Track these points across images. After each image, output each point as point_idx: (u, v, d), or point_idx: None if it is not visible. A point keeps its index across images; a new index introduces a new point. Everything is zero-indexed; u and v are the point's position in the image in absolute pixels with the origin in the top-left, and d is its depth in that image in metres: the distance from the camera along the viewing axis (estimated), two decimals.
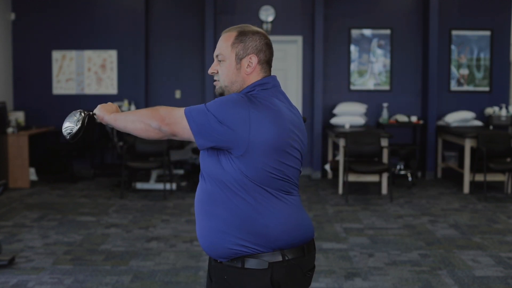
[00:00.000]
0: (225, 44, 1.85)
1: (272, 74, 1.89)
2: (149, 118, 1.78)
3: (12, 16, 8.27)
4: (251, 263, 1.77)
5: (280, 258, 1.78)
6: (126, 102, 7.97)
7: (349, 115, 7.86)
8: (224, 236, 1.78)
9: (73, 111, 2.00)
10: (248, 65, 1.84)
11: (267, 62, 1.87)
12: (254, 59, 1.84)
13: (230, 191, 1.76)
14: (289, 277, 1.79)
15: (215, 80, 1.89)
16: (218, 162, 1.77)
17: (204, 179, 1.83)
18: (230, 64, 1.84)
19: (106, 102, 2.06)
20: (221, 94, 1.87)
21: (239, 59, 1.83)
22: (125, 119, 1.87)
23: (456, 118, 7.86)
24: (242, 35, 1.84)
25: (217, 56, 1.86)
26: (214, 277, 1.87)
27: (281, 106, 1.80)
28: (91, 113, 2.00)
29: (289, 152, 1.79)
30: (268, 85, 1.85)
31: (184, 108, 1.78)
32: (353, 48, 8.36)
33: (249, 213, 1.76)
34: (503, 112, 7.86)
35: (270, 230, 1.77)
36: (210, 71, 1.88)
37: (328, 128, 7.97)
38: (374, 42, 8.33)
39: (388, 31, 8.30)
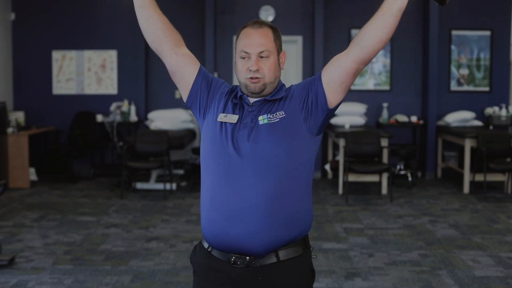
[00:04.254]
0: (268, 40, 1.83)
1: None
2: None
3: (12, 16, 8.27)
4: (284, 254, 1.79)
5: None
6: (126, 102, 7.96)
7: (349, 115, 7.86)
8: (297, 223, 1.81)
9: None
10: (282, 61, 1.89)
11: None
12: (285, 55, 1.91)
13: (301, 177, 1.81)
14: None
15: (256, 78, 1.81)
16: (299, 146, 1.81)
17: (272, 173, 1.75)
18: (274, 60, 1.84)
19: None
20: (262, 91, 1.83)
21: (278, 55, 1.87)
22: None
23: (456, 118, 7.85)
24: (276, 31, 1.87)
25: (261, 52, 1.81)
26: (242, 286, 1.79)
27: None
28: None
29: None
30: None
31: None
32: None
33: (307, 200, 1.84)
34: (503, 112, 7.85)
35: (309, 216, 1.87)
36: (255, 67, 1.80)
37: (328, 128, 7.97)
38: None
39: None
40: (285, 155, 1.75)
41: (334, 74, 1.78)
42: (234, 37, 8.88)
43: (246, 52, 1.81)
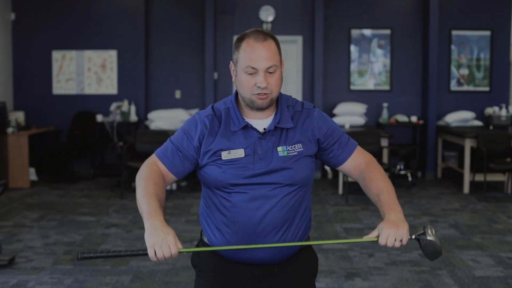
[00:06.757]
0: (274, 54, 1.76)
1: None
2: None
3: (12, 16, 8.27)
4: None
5: None
6: (126, 102, 7.97)
7: (349, 115, 7.86)
8: (302, 233, 1.89)
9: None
10: (282, 70, 1.84)
11: None
12: (283, 64, 1.84)
13: (308, 189, 1.91)
14: None
15: (264, 94, 1.75)
16: (311, 165, 1.88)
17: (291, 194, 1.81)
18: (280, 74, 1.79)
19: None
20: (269, 105, 1.79)
21: (281, 67, 1.81)
22: None
23: (456, 118, 7.86)
24: (277, 42, 1.80)
25: (269, 68, 1.74)
26: (259, 283, 1.87)
27: None
28: None
29: None
30: None
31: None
32: (353, 48, 8.36)
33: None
34: (503, 112, 7.86)
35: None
36: (264, 84, 1.73)
37: None
38: (374, 42, 8.33)
39: (388, 31, 8.30)
40: (302, 178, 1.82)
41: (331, 163, 1.94)
42: (234, 37, 8.80)
43: (253, 68, 1.73)
